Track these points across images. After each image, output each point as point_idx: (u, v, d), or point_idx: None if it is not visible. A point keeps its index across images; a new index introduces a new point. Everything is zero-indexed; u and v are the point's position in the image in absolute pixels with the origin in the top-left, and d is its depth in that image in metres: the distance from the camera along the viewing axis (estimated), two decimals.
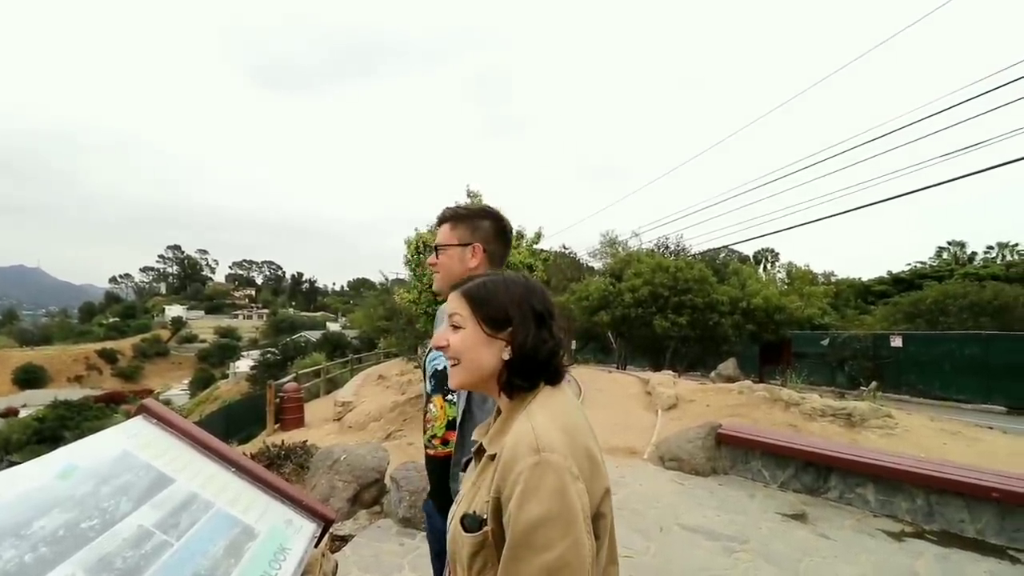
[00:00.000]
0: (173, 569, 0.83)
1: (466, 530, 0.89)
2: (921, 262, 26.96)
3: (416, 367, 11.94)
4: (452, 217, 1.61)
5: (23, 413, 43.56)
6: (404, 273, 9.68)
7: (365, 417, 10.05)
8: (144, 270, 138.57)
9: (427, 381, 1.63)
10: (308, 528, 1.26)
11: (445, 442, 1.53)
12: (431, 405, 1.60)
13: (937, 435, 5.70)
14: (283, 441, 5.85)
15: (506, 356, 0.97)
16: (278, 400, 11.00)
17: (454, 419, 1.47)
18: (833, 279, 34.89)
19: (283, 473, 4.94)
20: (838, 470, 4.41)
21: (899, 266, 28.04)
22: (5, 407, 51.05)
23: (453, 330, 1.01)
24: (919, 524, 3.88)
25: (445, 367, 1.52)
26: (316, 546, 1.27)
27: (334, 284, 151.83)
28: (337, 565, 1.57)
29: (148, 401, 1.18)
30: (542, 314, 1.00)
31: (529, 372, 0.97)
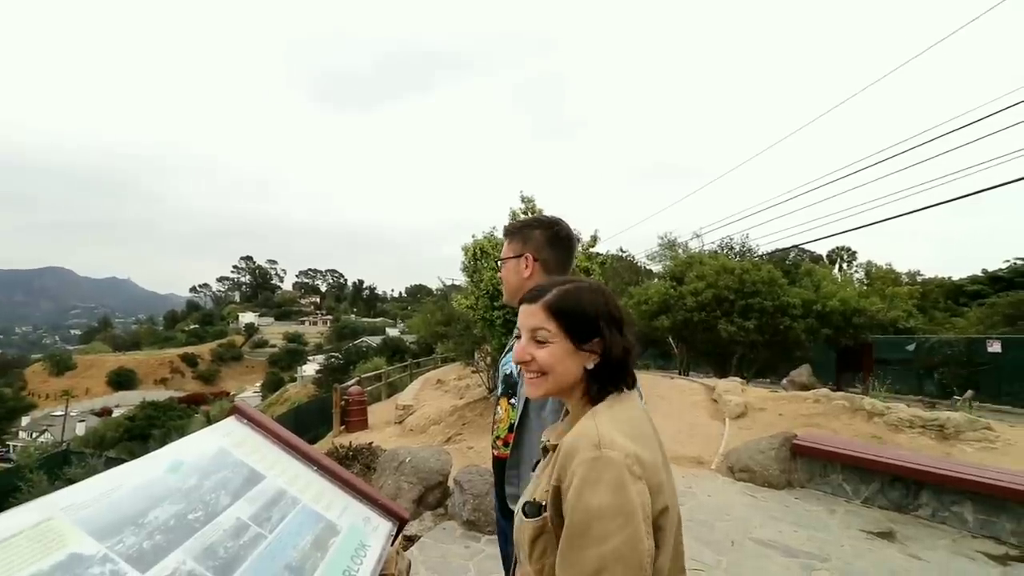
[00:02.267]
0: (267, 560, 0.87)
1: (527, 516, 0.92)
2: (1021, 259, 24.33)
3: (474, 372, 12.11)
4: (507, 231, 1.69)
5: (116, 413, 47.73)
6: (461, 279, 9.83)
7: (425, 420, 10.26)
8: (220, 280, 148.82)
9: (499, 384, 1.66)
10: (384, 526, 1.29)
11: (506, 444, 1.56)
12: (499, 407, 1.65)
13: None
14: (350, 442, 6.07)
15: (590, 366, 0.97)
16: (343, 403, 11.42)
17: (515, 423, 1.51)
18: (919, 279, 32.29)
19: (352, 473, 5.13)
20: (930, 486, 4.07)
21: (995, 263, 25.39)
22: (101, 407, 56.19)
23: (538, 344, 0.99)
24: None
25: (512, 372, 1.55)
26: (391, 544, 1.30)
27: (393, 291, 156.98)
28: (410, 564, 1.61)
29: (240, 403, 1.25)
30: (620, 320, 1.00)
31: (610, 379, 0.98)
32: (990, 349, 12.84)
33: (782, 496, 4.68)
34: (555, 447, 0.95)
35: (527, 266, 1.58)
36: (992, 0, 9.03)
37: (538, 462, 1.09)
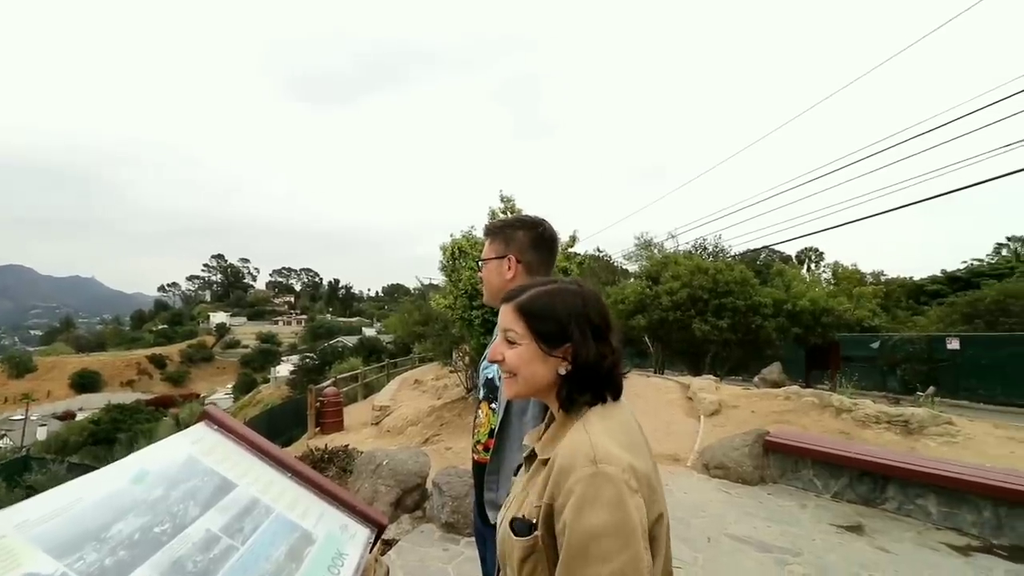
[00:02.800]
0: (239, 572, 0.83)
1: (516, 533, 0.88)
2: (978, 260, 25.42)
3: (452, 372, 12.04)
4: (489, 231, 1.66)
5: (79, 416, 45.93)
6: (439, 278, 9.75)
7: (403, 421, 10.15)
8: (190, 279, 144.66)
9: (480, 387, 1.65)
10: (362, 534, 1.26)
11: (487, 448, 1.55)
12: (479, 411, 1.63)
13: (1003, 443, 5.34)
14: (326, 445, 5.97)
15: (563, 371, 0.95)
16: (318, 404, 11.23)
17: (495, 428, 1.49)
18: (883, 279, 33.41)
19: (327, 477, 5.04)
20: (896, 480, 4.20)
21: (954, 264, 26.55)
22: (63, 411, 54.01)
23: (508, 344, 0.98)
24: (987, 538, 3.65)
25: (493, 376, 1.54)
26: (370, 551, 1.27)
27: (369, 290, 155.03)
28: (389, 570, 1.58)
29: (210, 408, 1.20)
30: (599, 326, 0.97)
31: (588, 387, 0.95)
32: (949, 346, 13.37)
33: (755, 492, 4.77)
34: (545, 461, 0.91)
35: (510, 268, 1.56)
36: (966, 3, 9.36)
37: (520, 466, 1.07)
